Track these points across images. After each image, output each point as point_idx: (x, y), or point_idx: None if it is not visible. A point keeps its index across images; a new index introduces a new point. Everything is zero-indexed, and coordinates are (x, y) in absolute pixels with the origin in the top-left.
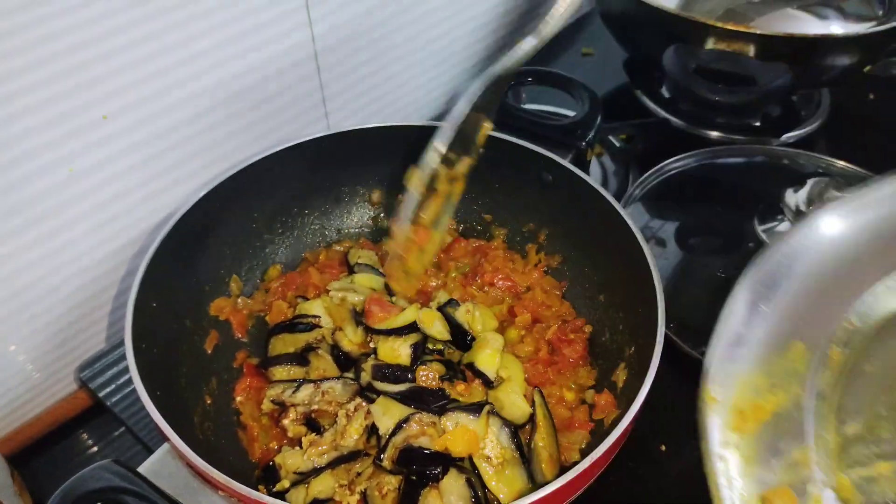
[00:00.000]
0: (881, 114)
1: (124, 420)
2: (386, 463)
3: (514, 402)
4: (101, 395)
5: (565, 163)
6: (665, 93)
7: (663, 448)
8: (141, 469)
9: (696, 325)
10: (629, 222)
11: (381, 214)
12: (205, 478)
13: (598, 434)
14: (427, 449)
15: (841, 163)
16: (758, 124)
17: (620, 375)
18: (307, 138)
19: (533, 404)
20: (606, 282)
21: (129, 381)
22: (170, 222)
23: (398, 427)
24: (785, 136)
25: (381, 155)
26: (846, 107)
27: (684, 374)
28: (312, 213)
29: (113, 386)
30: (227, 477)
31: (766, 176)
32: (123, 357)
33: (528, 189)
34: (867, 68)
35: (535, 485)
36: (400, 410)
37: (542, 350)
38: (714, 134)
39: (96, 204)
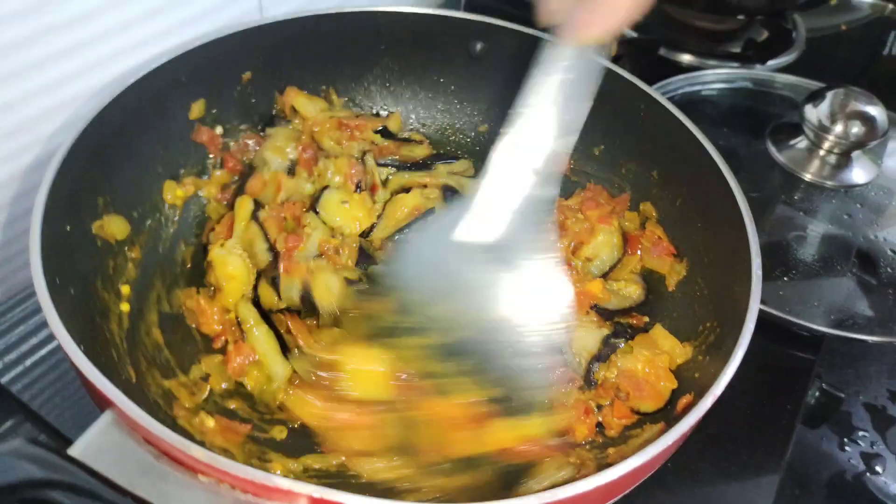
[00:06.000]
0: (854, 41)
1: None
2: None
3: None
4: None
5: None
6: None
7: None
8: (73, 452)
9: None
10: (680, 116)
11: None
12: (175, 458)
13: None
14: None
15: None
16: (737, 51)
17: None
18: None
19: None
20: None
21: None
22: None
23: None
24: (770, 63)
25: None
26: (819, 38)
27: None
28: None
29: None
30: (212, 453)
31: (757, 100)
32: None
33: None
34: None
35: None
36: None
37: None
38: (687, 58)
39: None
